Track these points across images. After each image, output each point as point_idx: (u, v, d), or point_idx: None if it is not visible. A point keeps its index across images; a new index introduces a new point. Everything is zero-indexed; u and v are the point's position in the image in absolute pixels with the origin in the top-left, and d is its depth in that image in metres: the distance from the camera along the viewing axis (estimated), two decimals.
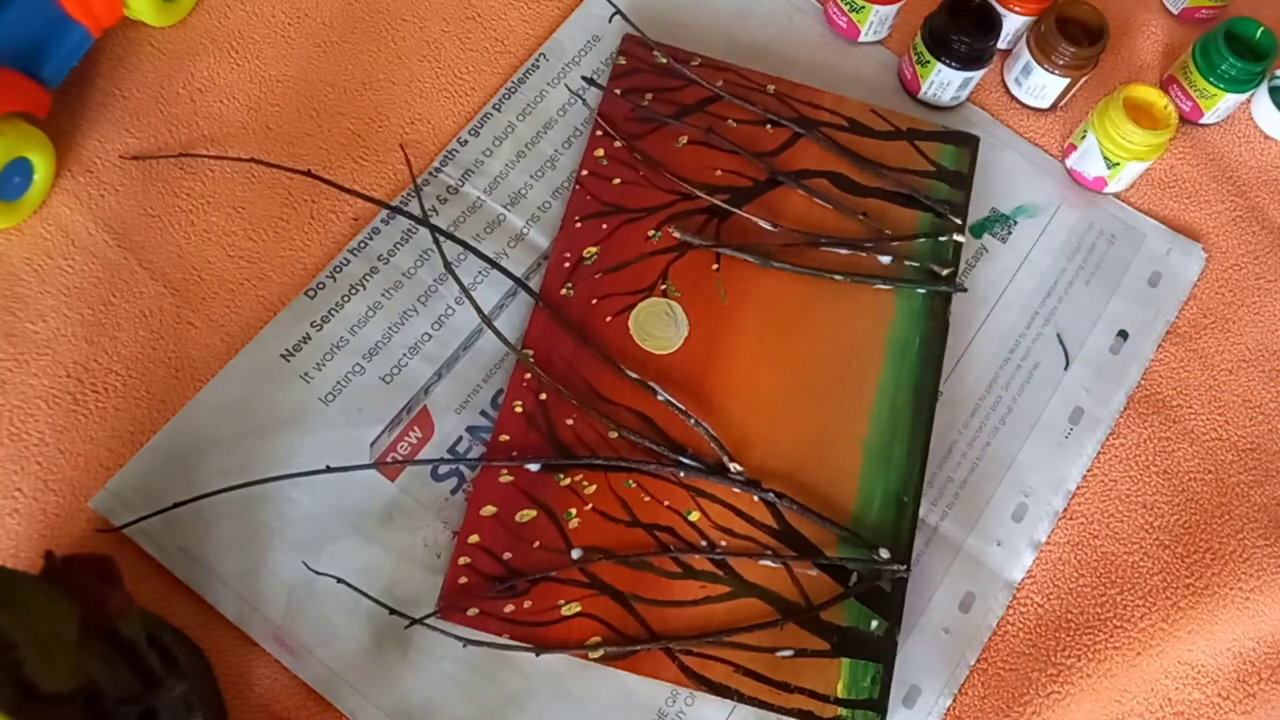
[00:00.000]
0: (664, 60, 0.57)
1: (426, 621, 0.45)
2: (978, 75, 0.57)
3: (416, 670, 0.45)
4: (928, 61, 0.57)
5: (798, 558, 0.48)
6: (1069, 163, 0.59)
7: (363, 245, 0.52)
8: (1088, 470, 0.53)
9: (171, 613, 0.44)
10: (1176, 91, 0.61)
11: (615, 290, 0.52)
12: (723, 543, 0.48)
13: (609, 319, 0.51)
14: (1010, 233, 0.57)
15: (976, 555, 0.51)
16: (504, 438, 0.49)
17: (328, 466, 0.46)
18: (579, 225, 0.53)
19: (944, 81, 0.57)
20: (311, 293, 0.51)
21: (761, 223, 0.54)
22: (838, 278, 0.53)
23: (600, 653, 0.45)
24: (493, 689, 0.45)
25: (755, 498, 0.49)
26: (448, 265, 0.50)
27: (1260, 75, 0.60)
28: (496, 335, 0.50)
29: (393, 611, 0.45)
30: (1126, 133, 0.55)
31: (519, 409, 0.49)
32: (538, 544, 0.47)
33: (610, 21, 0.58)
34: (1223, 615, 0.52)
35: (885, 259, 0.54)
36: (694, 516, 0.48)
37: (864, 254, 0.54)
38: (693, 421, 0.49)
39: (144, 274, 0.50)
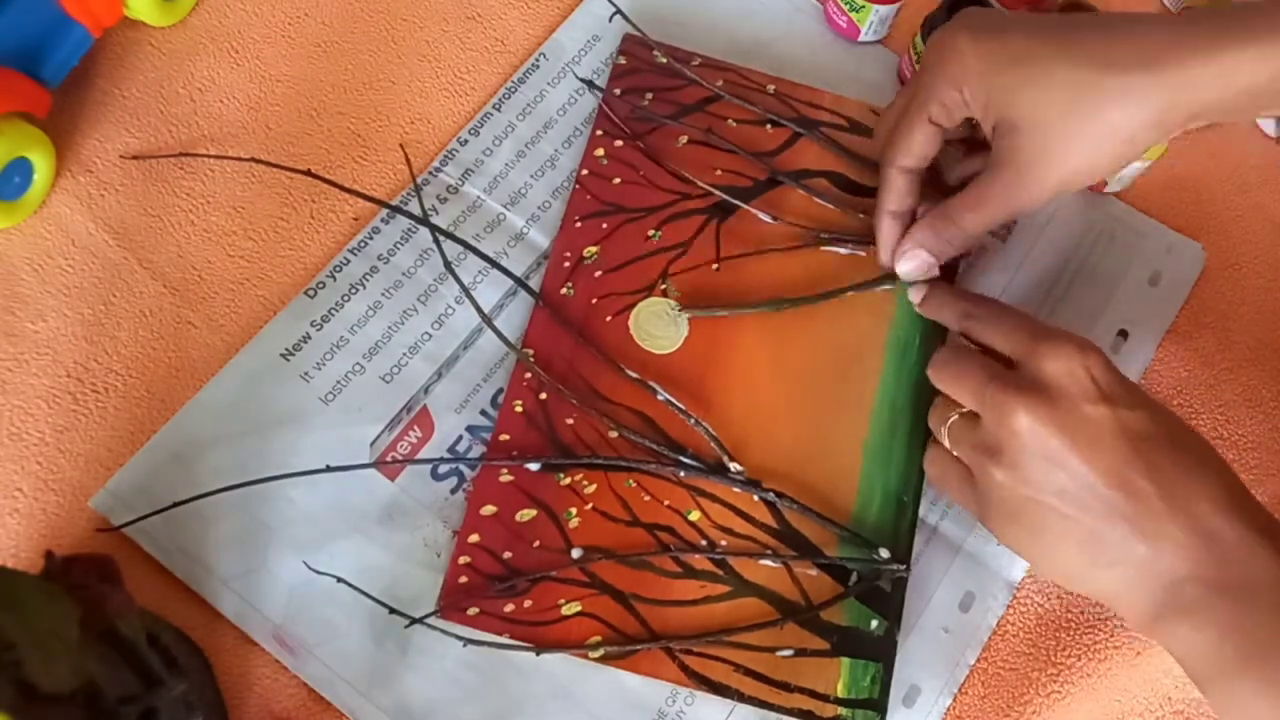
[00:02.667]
0: (664, 60, 0.57)
1: (426, 621, 0.45)
2: None
3: (416, 670, 0.45)
4: None
5: (798, 557, 0.48)
6: None
7: (363, 245, 0.52)
8: None
9: (171, 612, 0.44)
10: None
11: (615, 290, 0.52)
12: (723, 542, 0.48)
13: (609, 318, 0.51)
14: (1010, 232, 0.57)
15: (976, 555, 0.51)
16: (504, 437, 0.49)
17: (327, 466, 0.46)
18: (579, 225, 0.53)
19: None
20: (311, 292, 0.51)
21: (761, 214, 0.54)
22: (847, 295, 0.53)
23: (600, 652, 0.45)
24: (493, 688, 0.45)
25: (755, 497, 0.49)
26: (448, 264, 0.50)
27: None
28: (497, 334, 0.50)
29: (393, 611, 0.45)
30: None
31: (519, 408, 0.49)
32: (538, 543, 0.47)
33: (610, 21, 0.58)
34: None
35: None
36: (694, 516, 0.48)
37: (864, 253, 0.54)
38: (693, 421, 0.49)
39: (144, 274, 0.50)
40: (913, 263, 0.48)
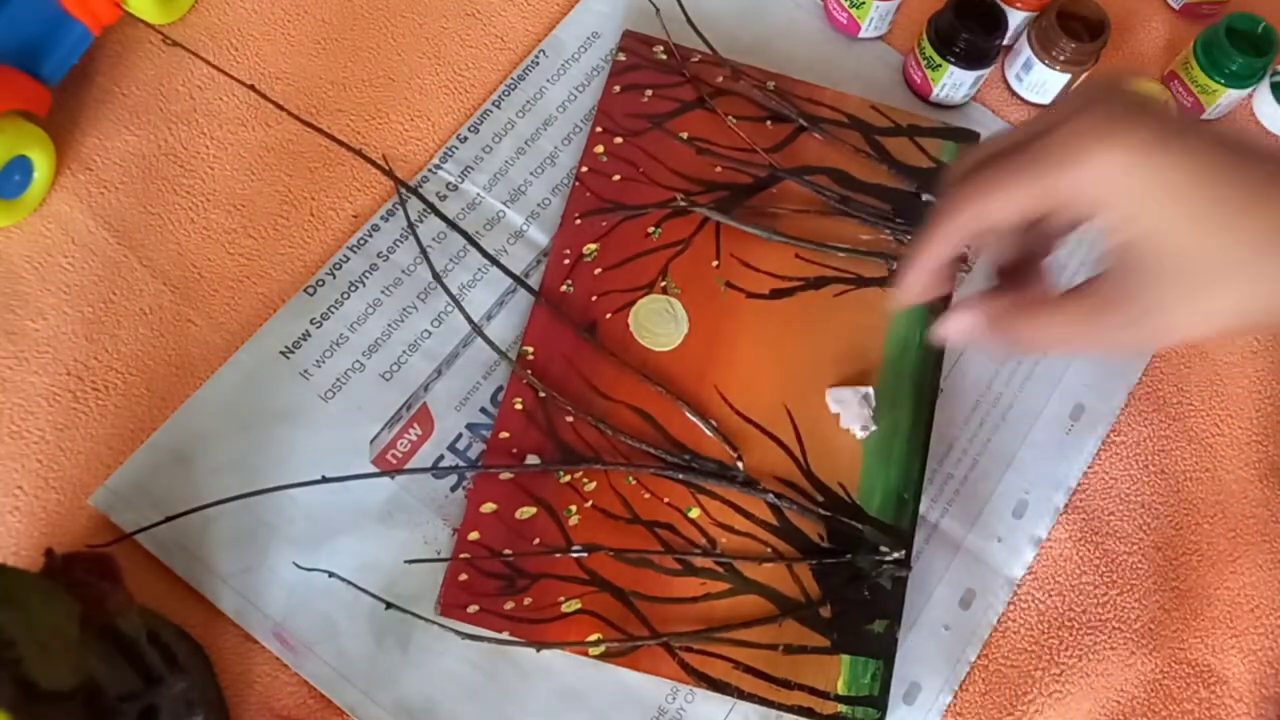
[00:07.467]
0: (664, 57, 0.57)
1: (427, 618, 0.45)
2: (987, 72, 0.57)
3: (417, 667, 0.45)
4: (939, 65, 0.56)
5: (799, 558, 0.48)
6: None
7: (362, 242, 0.52)
8: (1088, 467, 0.53)
9: (171, 610, 0.44)
10: (1178, 87, 0.61)
11: (615, 287, 0.52)
12: (722, 539, 0.48)
13: (609, 316, 0.51)
14: None
15: (977, 552, 0.51)
16: (504, 435, 0.49)
17: (323, 477, 0.46)
18: (579, 222, 0.53)
19: (957, 83, 0.57)
20: (311, 290, 0.51)
21: (758, 232, 0.54)
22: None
23: (600, 649, 0.45)
24: (493, 686, 0.45)
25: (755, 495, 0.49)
26: (436, 276, 0.51)
27: (1262, 71, 0.59)
28: (488, 343, 0.50)
29: (392, 607, 0.45)
30: None
31: (519, 406, 0.49)
32: (538, 541, 0.47)
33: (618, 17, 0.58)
34: (1218, 617, 0.52)
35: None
36: (694, 513, 0.48)
37: (862, 252, 0.54)
38: (695, 417, 0.49)
39: (144, 271, 0.50)
40: (952, 334, 0.39)
